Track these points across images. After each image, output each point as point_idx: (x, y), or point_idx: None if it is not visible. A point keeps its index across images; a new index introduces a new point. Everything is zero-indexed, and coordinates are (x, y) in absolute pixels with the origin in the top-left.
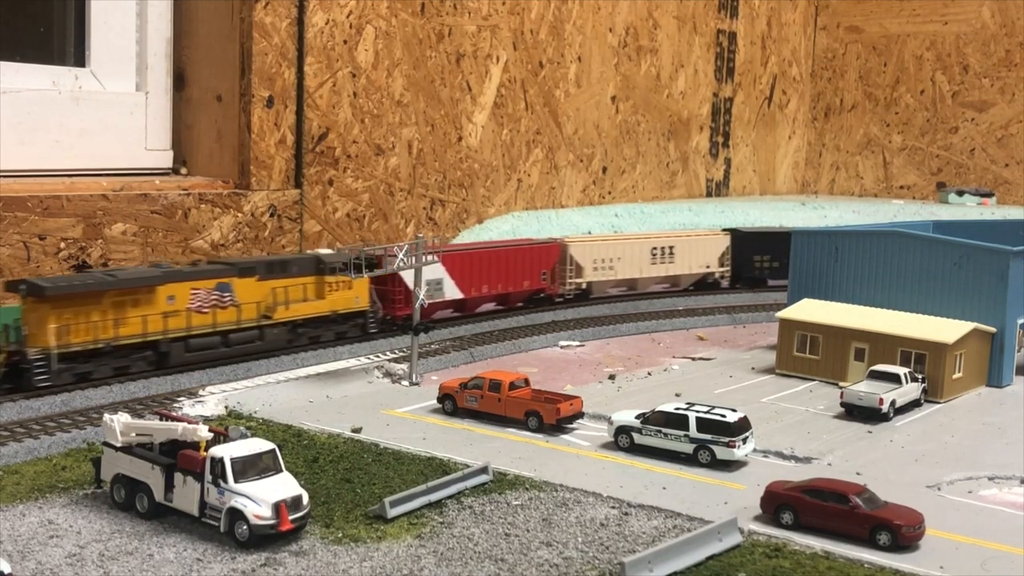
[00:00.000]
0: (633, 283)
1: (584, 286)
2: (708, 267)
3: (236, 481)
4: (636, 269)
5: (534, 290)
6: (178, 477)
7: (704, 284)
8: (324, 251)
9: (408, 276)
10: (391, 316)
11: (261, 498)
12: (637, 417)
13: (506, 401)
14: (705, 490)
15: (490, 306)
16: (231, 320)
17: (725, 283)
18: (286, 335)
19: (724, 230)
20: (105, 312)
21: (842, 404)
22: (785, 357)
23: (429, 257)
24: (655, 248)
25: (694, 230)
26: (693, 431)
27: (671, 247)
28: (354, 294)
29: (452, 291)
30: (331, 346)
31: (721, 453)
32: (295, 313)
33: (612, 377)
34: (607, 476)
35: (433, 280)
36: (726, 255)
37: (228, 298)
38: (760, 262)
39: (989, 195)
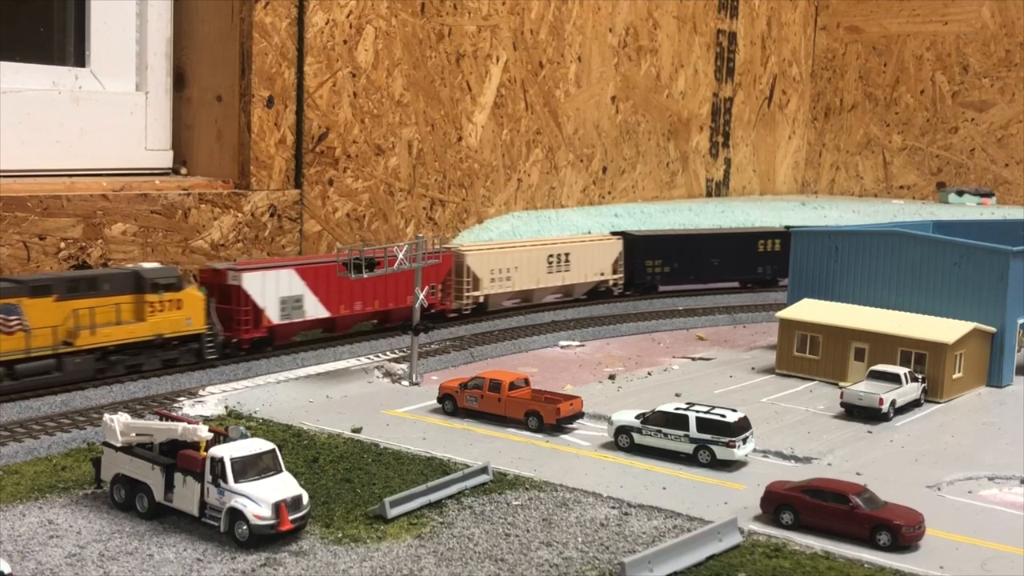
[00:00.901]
0: (529, 295)
1: (482, 299)
2: (602, 274)
3: (236, 481)
4: (533, 279)
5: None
6: (178, 477)
7: (596, 293)
8: (148, 265)
9: (255, 291)
10: (236, 339)
11: (261, 498)
12: (637, 417)
13: (506, 401)
14: (705, 490)
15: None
16: (17, 348)
17: (618, 291)
18: (93, 364)
19: (615, 234)
20: None
21: (842, 404)
22: (785, 357)
23: (431, 258)
24: (551, 256)
25: (588, 235)
26: (693, 431)
27: (567, 254)
28: (184, 315)
29: (315, 309)
30: (330, 346)
31: (721, 453)
32: (105, 338)
33: (612, 377)
34: (607, 476)
35: (290, 297)
36: (619, 261)
37: (15, 322)
38: (652, 267)
39: (989, 195)
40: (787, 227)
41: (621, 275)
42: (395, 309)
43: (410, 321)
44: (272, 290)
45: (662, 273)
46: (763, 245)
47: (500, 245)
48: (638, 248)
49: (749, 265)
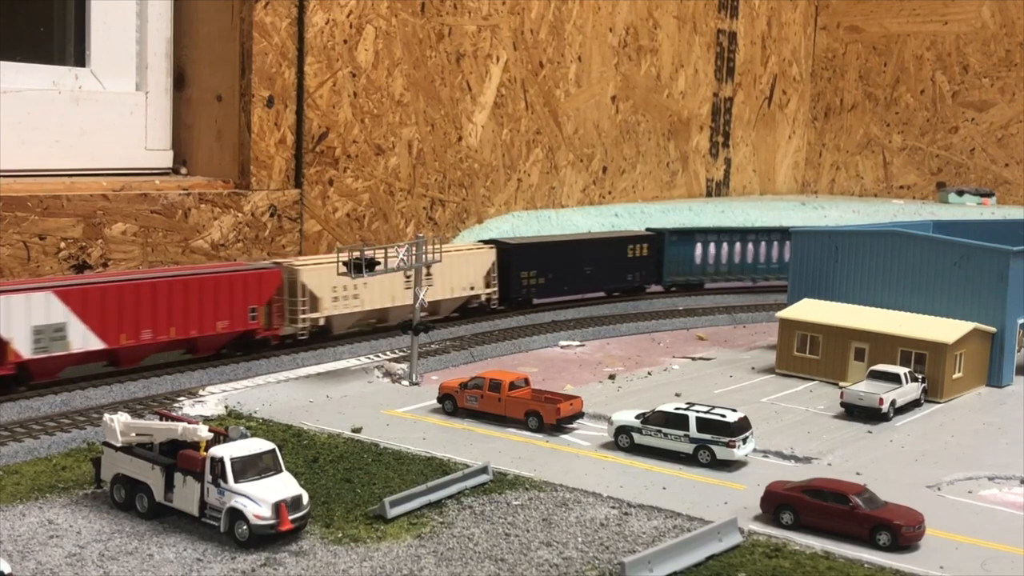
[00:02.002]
0: (384, 314)
1: (322, 322)
2: (472, 288)
3: (236, 481)
4: (387, 296)
5: (238, 332)
6: (178, 477)
7: (468, 310)
8: None
9: None
10: None
11: (261, 498)
12: (637, 417)
13: (506, 401)
14: (705, 490)
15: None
16: None
17: (492, 306)
18: None
19: (487, 242)
20: None
21: (842, 404)
22: (785, 357)
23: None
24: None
25: (455, 244)
26: (693, 431)
27: (428, 266)
28: None
29: (85, 340)
30: (330, 346)
31: (721, 453)
32: None
33: (612, 377)
34: (607, 476)
35: (48, 325)
36: (492, 273)
37: None
38: (527, 278)
39: (989, 195)
40: (654, 230)
41: (495, 289)
42: (201, 337)
43: (410, 321)
44: (21, 317)
45: (537, 285)
46: (632, 250)
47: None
48: (513, 258)
49: (619, 272)
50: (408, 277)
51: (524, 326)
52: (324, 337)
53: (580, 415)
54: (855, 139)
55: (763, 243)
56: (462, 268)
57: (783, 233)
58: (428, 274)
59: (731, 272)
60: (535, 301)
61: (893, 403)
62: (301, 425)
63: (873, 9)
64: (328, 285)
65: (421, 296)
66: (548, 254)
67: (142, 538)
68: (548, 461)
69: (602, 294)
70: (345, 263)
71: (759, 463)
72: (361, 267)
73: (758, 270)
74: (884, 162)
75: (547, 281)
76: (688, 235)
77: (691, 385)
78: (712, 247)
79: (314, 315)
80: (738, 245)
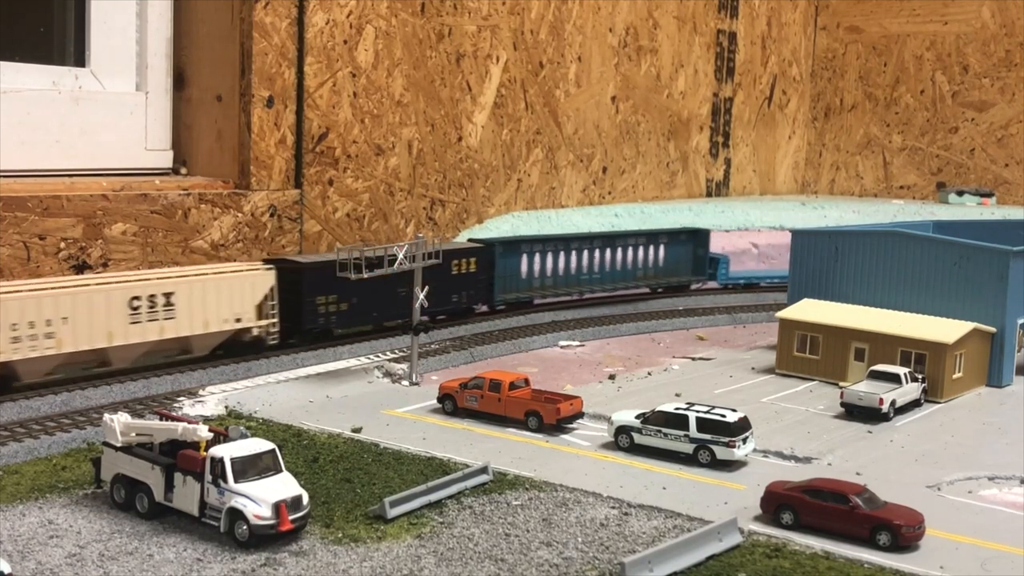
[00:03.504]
0: (102, 356)
1: None
2: (239, 320)
3: (236, 481)
4: (102, 334)
5: None
6: (178, 477)
7: (242, 346)
8: None
9: None
10: None
11: (261, 498)
12: (637, 417)
13: (506, 401)
14: (705, 490)
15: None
16: None
17: (272, 341)
18: None
19: (267, 263)
20: None
21: (842, 404)
22: (785, 357)
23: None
24: (137, 298)
25: (213, 267)
26: (693, 431)
27: (168, 294)
28: None
29: None
30: (330, 346)
31: (721, 453)
32: None
33: (612, 377)
34: (607, 476)
35: None
36: (270, 300)
37: None
38: (325, 304)
39: (989, 195)
40: (482, 241)
41: (275, 320)
42: None
43: (410, 321)
44: None
45: (338, 312)
46: (457, 266)
47: (32, 285)
48: (305, 281)
49: (443, 293)
50: (137, 307)
51: (524, 326)
52: (5, 389)
53: (580, 415)
54: (855, 139)
55: (607, 249)
56: (220, 296)
57: (646, 236)
58: (169, 304)
59: (558, 286)
60: (338, 332)
61: (893, 403)
62: (301, 425)
63: (873, 9)
64: (6, 320)
65: (421, 297)
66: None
67: (142, 538)
68: (548, 461)
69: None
70: (342, 264)
71: (759, 463)
72: (361, 267)
73: (589, 279)
74: (884, 162)
75: (351, 307)
76: (513, 245)
77: (691, 385)
78: (537, 258)
79: None
80: (573, 255)
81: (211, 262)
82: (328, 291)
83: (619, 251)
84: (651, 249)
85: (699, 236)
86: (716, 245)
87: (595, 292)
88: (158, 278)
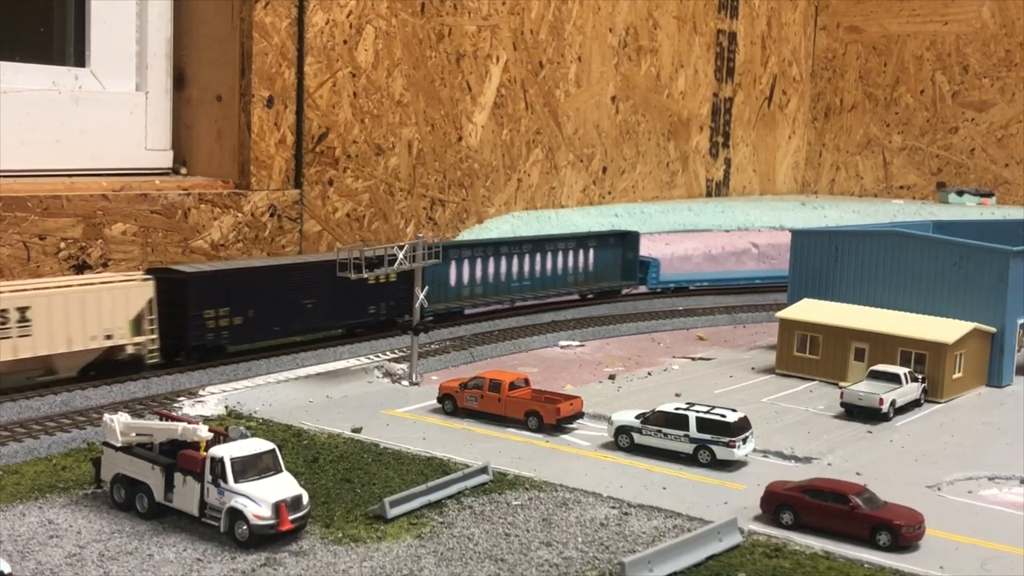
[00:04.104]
0: (48, 363)
1: None
2: (110, 337)
3: (236, 481)
4: (63, 339)
5: None
6: (178, 477)
7: (112, 364)
8: None
9: None
10: None
11: (261, 498)
12: (637, 417)
13: (506, 401)
14: (705, 490)
15: (487, 307)
16: None
17: (151, 360)
18: None
19: (147, 272)
20: None
21: (842, 404)
22: (785, 357)
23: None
24: None
25: (79, 279)
26: (693, 431)
27: (23, 308)
28: None
29: None
30: (330, 346)
31: (721, 453)
32: None
33: (612, 377)
34: (607, 476)
35: None
36: (148, 314)
37: None
38: (215, 318)
39: (989, 195)
40: (400, 246)
41: (154, 336)
42: None
43: (410, 321)
44: None
45: (232, 327)
46: (375, 276)
47: None
48: (191, 292)
49: (357, 305)
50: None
51: (524, 326)
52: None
53: (580, 415)
54: (855, 139)
55: (536, 255)
56: (85, 310)
57: (575, 241)
58: (24, 320)
59: (488, 294)
60: (232, 348)
61: (893, 403)
62: (301, 425)
63: (873, 9)
64: None
65: (421, 296)
66: (248, 284)
67: (142, 538)
68: (548, 461)
69: (339, 331)
70: (344, 264)
71: (759, 463)
72: (361, 267)
73: (520, 286)
74: (884, 162)
75: (247, 321)
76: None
77: (691, 385)
78: (466, 265)
79: None
80: (503, 261)
81: (212, 261)
82: (219, 303)
83: (548, 256)
84: (580, 254)
85: (628, 240)
86: (661, 250)
87: (526, 300)
88: (11, 291)
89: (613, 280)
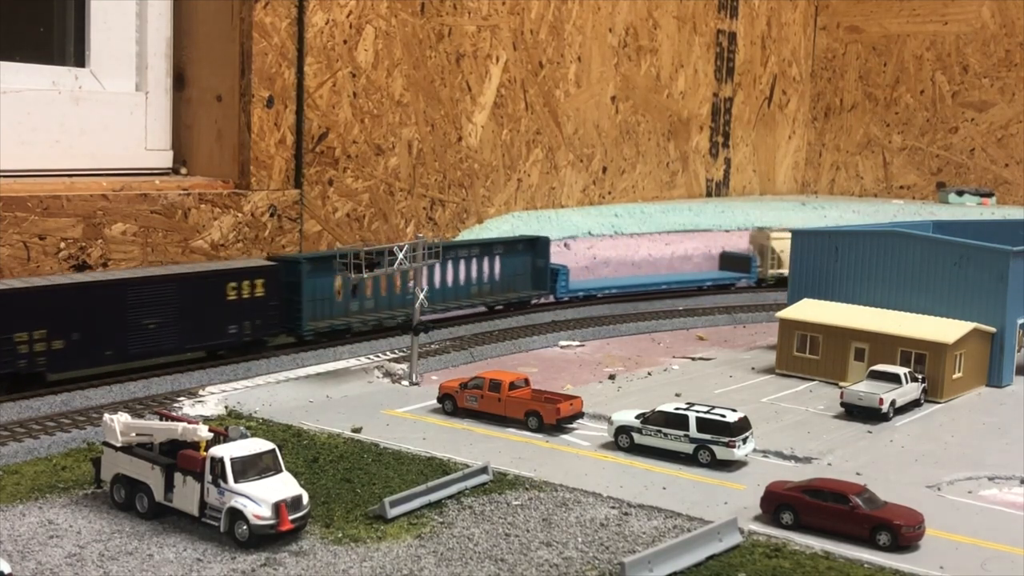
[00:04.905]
0: None
1: None
2: None
3: (236, 481)
4: None
5: None
6: (178, 477)
7: None
8: None
9: None
10: None
11: (261, 498)
12: (637, 417)
13: (506, 401)
14: (705, 490)
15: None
16: None
17: None
18: None
19: None
20: None
21: (842, 404)
22: (785, 357)
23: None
24: None
25: None
26: (693, 431)
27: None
28: None
29: None
30: (330, 346)
31: (721, 453)
32: None
33: (612, 377)
34: (607, 476)
35: None
36: None
37: None
38: (28, 342)
39: (989, 195)
40: (280, 258)
41: None
42: None
43: (411, 321)
44: None
45: (51, 352)
46: (236, 290)
47: None
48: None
49: (213, 324)
50: None
51: (524, 326)
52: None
53: (580, 415)
54: (855, 139)
55: (436, 264)
56: None
57: (479, 248)
58: None
59: (381, 308)
60: (53, 377)
61: (893, 403)
62: (301, 425)
63: (873, 9)
64: None
65: (421, 296)
66: (70, 302)
67: (142, 538)
68: (548, 461)
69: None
70: (344, 263)
71: (759, 463)
72: (361, 267)
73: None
74: (884, 162)
75: (70, 345)
76: (326, 263)
77: (691, 385)
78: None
79: None
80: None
81: (211, 261)
82: (33, 324)
83: (450, 265)
84: (486, 262)
85: (538, 245)
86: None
87: (424, 315)
88: None
89: (522, 290)
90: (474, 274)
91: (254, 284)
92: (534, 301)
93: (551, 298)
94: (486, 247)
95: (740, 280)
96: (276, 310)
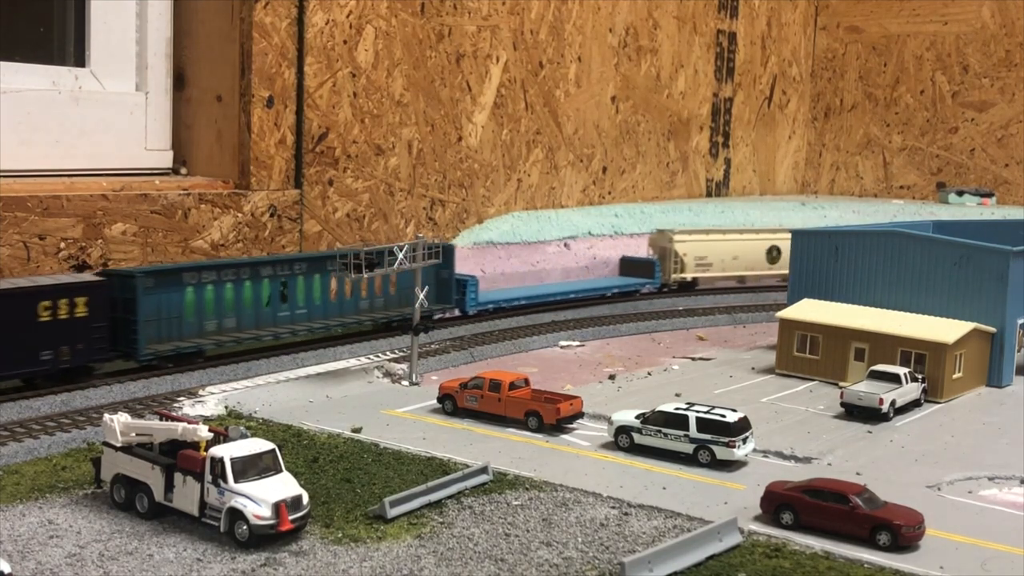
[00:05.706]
0: None
1: None
2: None
3: (236, 481)
4: None
5: None
6: (178, 477)
7: None
8: None
9: None
10: None
11: (261, 498)
12: (637, 417)
13: (506, 401)
14: (705, 490)
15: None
16: None
17: None
18: None
19: None
20: None
21: (842, 404)
22: (785, 357)
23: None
24: None
25: None
26: (693, 431)
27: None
28: None
29: None
30: (330, 346)
31: (721, 453)
32: None
33: (612, 377)
34: (607, 476)
35: None
36: None
37: None
38: None
39: (989, 195)
40: (110, 273)
41: None
42: None
43: (411, 321)
44: None
45: None
46: (50, 310)
47: None
48: None
49: (23, 349)
50: None
51: (524, 326)
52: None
53: (580, 415)
54: (855, 139)
55: (315, 276)
56: None
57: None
58: None
59: (244, 328)
60: None
61: (893, 403)
62: (301, 425)
63: (873, 9)
64: None
65: (421, 296)
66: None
67: (142, 538)
68: (548, 461)
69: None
70: (344, 263)
71: (759, 463)
72: (361, 267)
73: (291, 317)
74: (884, 162)
75: None
76: (171, 276)
77: (691, 385)
78: (211, 292)
79: None
80: (265, 284)
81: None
82: None
83: (332, 277)
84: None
85: (443, 254)
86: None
87: (297, 335)
88: None
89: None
90: (363, 286)
91: (74, 303)
92: (437, 316)
93: (456, 312)
94: (378, 256)
95: (644, 286)
96: (102, 332)
